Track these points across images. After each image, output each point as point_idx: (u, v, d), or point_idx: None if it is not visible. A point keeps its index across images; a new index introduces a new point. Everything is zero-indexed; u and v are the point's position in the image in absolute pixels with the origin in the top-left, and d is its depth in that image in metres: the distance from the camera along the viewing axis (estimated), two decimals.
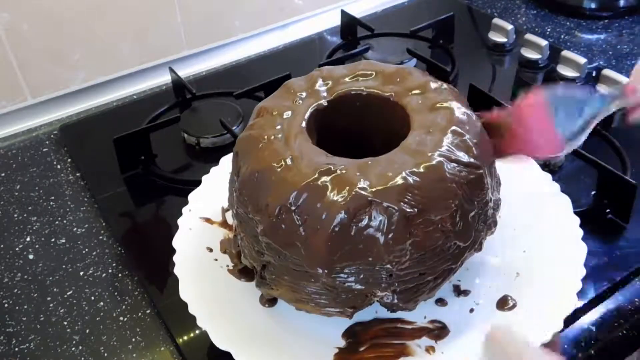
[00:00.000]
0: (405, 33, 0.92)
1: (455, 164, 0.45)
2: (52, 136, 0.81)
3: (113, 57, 0.86)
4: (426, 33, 0.92)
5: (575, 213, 0.55)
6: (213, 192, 0.61)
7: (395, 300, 0.47)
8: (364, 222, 0.43)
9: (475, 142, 0.48)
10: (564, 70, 0.83)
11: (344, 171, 0.45)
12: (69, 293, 0.60)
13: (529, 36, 0.88)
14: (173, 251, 0.55)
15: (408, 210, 0.43)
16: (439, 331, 0.50)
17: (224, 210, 0.60)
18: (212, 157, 0.69)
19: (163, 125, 0.75)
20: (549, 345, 0.45)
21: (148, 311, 0.58)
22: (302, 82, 0.55)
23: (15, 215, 0.69)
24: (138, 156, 0.73)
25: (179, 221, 0.58)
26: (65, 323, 0.57)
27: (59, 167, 0.76)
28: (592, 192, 0.64)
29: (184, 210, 0.59)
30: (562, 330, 0.48)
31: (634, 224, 0.61)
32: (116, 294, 0.59)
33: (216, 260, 0.56)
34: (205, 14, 0.90)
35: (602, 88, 0.78)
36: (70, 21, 0.80)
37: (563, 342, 0.52)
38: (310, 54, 0.95)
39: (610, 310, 0.55)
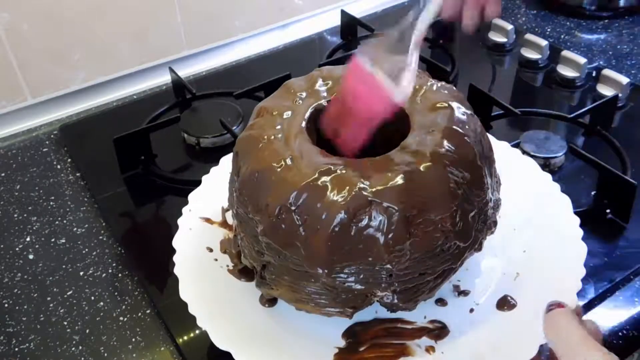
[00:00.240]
0: None
1: (455, 164, 0.45)
2: (52, 136, 0.81)
3: (113, 57, 0.86)
4: (426, 33, 0.92)
5: (575, 213, 0.55)
6: (213, 192, 0.61)
7: (395, 300, 0.47)
8: (364, 222, 0.43)
9: (475, 142, 0.48)
10: (564, 70, 0.83)
11: (343, 171, 0.45)
12: (69, 293, 0.60)
13: (529, 36, 0.88)
14: (173, 251, 0.55)
15: (408, 210, 0.43)
16: (439, 331, 0.50)
17: (224, 210, 0.60)
18: (212, 157, 0.69)
19: (163, 125, 0.75)
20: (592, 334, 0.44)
21: (148, 311, 0.58)
22: (302, 82, 0.55)
23: (15, 215, 0.69)
24: (138, 156, 0.73)
25: (179, 221, 0.58)
26: (65, 323, 0.57)
27: (59, 167, 0.76)
28: (592, 192, 0.64)
29: (184, 210, 0.59)
30: None
31: (634, 224, 0.61)
32: (116, 294, 0.59)
33: (216, 260, 0.56)
34: (205, 14, 0.90)
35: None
36: (70, 21, 0.80)
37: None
38: (310, 54, 0.95)
39: (610, 310, 0.55)
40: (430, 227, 0.44)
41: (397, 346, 0.49)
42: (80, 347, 0.55)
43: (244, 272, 0.55)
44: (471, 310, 0.51)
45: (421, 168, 0.45)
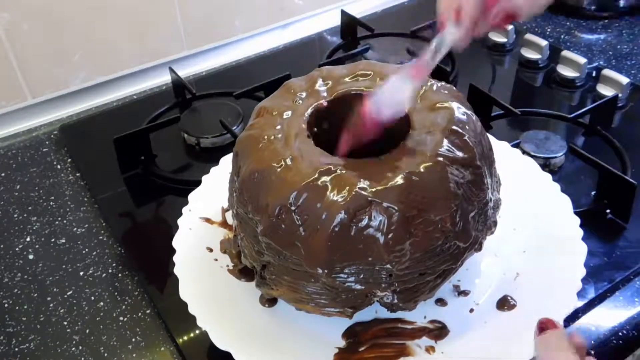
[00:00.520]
0: (405, 33, 0.92)
1: (455, 164, 0.45)
2: (52, 136, 0.81)
3: (113, 57, 0.86)
4: (426, 33, 0.92)
5: (575, 213, 0.55)
6: (213, 192, 0.61)
7: (395, 300, 0.47)
8: (364, 222, 0.43)
9: (475, 142, 0.48)
10: (564, 70, 0.83)
11: (343, 171, 0.45)
12: (69, 293, 0.60)
13: (529, 36, 0.88)
14: (173, 251, 0.55)
15: (408, 210, 0.43)
16: (438, 331, 0.50)
17: (224, 210, 0.60)
18: (212, 157, 0.69)
19: (163, 125, 0.75)
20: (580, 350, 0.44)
21: (148, 311, 0.58)
22: (302, 82, 0.55)
23: (15, 215, 0.69)
24: (138, 156, 0.73)
25: (179, 221, 0.58)
26: (65, 323, 0.57)
27: (59, 167, 0.76)
28: (592, 192, 0.64)
29: (184, 210, 0.59)
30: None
31: (634, 224, 0.61)
32: (116, 294, 0.59)
33: (216, 260, 0.56)
34: (205, 14, 0.90)
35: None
36: (70, 21, 0.80)
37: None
38: (310, 54, 0.95)
39: (610, 310, 0.55)
40: (430, 227, 0.44)
41: (397, 346, 0.49)
42: (80, 347, 0.55)
43: (244, 272, 0.55)
44: (471, 310, 0.51)
45: (421, 168, 0.45)
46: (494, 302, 0.51)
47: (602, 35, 0.94)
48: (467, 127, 0.48)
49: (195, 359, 0.53)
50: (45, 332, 0.56)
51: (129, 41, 0.86)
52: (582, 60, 0.82)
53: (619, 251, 0.59)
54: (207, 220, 0.59)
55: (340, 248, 0.44)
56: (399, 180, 0.44)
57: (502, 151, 0.61)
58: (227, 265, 0.56)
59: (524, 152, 0.67)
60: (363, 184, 0.44)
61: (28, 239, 0.66)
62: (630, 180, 0.60)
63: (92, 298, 0.59)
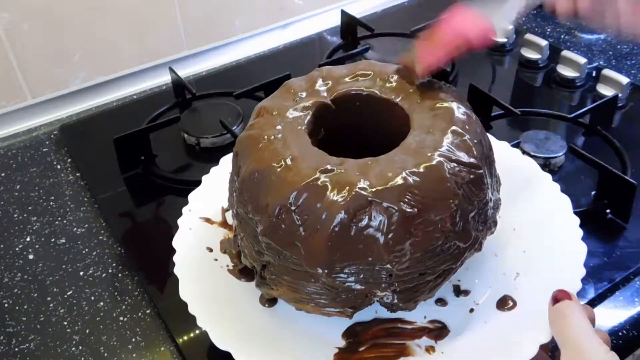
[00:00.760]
0: (405, 33, 0.92)
1: (455, 164, 0.45)
2: (52, 136, 0.81)
3: (113, 57, 0.86)
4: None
5: (575, 213, 0.55)
6: (213, 192, 0.61)
7: (395, 300, 0.47)
8: (364, 222, 0.43)
9: (475, 142, 0.48)
10: (564, 70, 0.83)
11: (343, 171, 0.45)
12: (69, 293, 0.60)
13: (529, 36, 0.88)
14: (173, 251, 0.55)
15: (408, 210, 0.43)
16: (438, 331, 0.50)
17: (224, 210, 0.60)
18: (212, 157, 0.69)
19: (163, 125, 0.75)
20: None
21: (148, 311, 0.58)
22: (302, 82, 0.55)
23: (15, 215, 0.69)
24: (138, 156, 0.73)
25: (179, 221, 0.58)
26: (65, 323, 0.57)
27: (59, 167, 0.76)
28: (592, 192, 0.64)
29: (184, 210, 0.59)
30: None
31: (634, 224, 0.61)
32: (116, 294, 0.59)
33: (216, 260, 0.56)
34: (205, 14, 0.90)
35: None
36: (70, 21, 0.80)
37: None
38: (310, 54, 0.95)
39: (610, 310, 0.55)
40: (430, 227, 0.44)
41: (397, 346, 0.49)
42: (80, 347, 0.55)
43: (244, 272, 0.55)
44: (471, 310, 0.51)
45: (421, 168, 0.45)
46: (494, 302, 0.51)
47: (602, 35, 0.94)
48: (467, 127, 0.48)
49: (195, 359, 0.53)
50: (45, 332, 0.56)
51: (129, 41, 0.86)
52: (582, 60, 0.82)
53: (619, 251, 0.59)
54: (207, 220, 0.59)
55: (340, 248, 0.44)
56: (398, 180, 0.44)
57: (502, 151, 0.60)
58: (227, 265, 0.56)
59: (523, 152, 0.67)
60: (363, 183, 0.44)
61: (28, 239, 0.66)
62: (630, 180, 0.60)
63: (92, 298, 0.59)
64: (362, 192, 0.43)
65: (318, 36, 0.99)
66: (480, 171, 0.47)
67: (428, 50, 0.52)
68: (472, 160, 0.46)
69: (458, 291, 0.53)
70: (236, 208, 0.50)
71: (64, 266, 0.62)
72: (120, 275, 0.61)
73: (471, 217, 0.46)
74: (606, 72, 0.80)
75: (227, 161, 0.64)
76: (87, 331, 0.56)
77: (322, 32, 0.99)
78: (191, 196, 0.61)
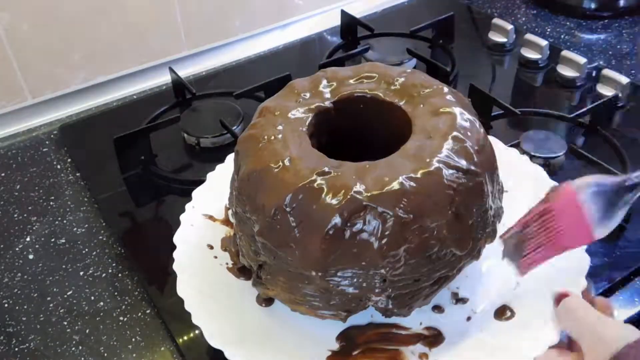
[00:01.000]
0: (405, 33, 0.92)
1: (454, 171, 0.45)
2: (52, 136, 0.81)
3: (113, 57, 0.86)
4: (426, 33, 0.92)
5: None
6: (217, 189, 0.60)
7: (390, 306, 0.47)
8: (359, 227, 0.43)
9: (476, 149, 0.47)
10: (564, 70, 0.83)
11: (340, 174, 0.45)
12: (69, 293, 0.60)
13: (529, 36, 0.88)
14: (173, 249, 0.55)
15: (403, 216, 0.43)
16: (433, 338, 0.49)
17: (227, 208, 0.60)
18: (212, 157, 0.69)
19: (163, 125, 0.75)
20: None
21: (148, 311, 0.58)
22: (306, 82, 0.55)
23: (15, 215, 0.69)
24: (138, 156, 0.73)
25: (181, 217, 0.58)
26: (65, 323, 0.57)
27: (59, 167, 0.76)
28: None
29: (187, 206, 0.59)
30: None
31: (634, 224, 0.61)
32: (116, 294, 0.59)
33: (216, 257, 0.56)
34: (205, 14, 0.90)
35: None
36: (70, 21, 0.80)
37: None
38: (310, 54, 0.95)
39: None
40: (425, 233, 0.43)
41: (390, 351, 0.49)
42: (80, 347, 0.55)
43: (242, 271, 0.55)
44: (468, 319, 0.51)
45: (419, 174, 0.44)
46: (492, 310, 0.50)
47: (602, 35, 0.94)
48: (468, 134, 0.47)
49: (195, 359, 0.53)
50: (45, 332, 0.56)
51: (129, 41, 0.86)
52: (582, 60, 0.82)
53: (619, 251, 0.59)
54: (210, 217, 0.59)
55: (334, 251, 0.43)
56: (395, 185, 0.43)
57: (509, 158, 0.60)
58: (227, 263, 0.56)
59: (523, 152, 0.67)
60: (359, 187, 0.44)
61: (28, 239, 0.66)
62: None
63: (92, 298, 0.59)
64: (358, 196, 0.43)
65: (318, 36, 0.99)
66: (480, 179, 0.46)
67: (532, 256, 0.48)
68: (471, 167, 0.46)
69: (456, 299, 0.53)
70: (235, 207, 0.50)
71: (64, 266, 0.62)
72: (120, 275, 0.61)
73: (469, 225, 0.46)
74: (606, 72, 0.80)
75: (232, 159, 0.65)
76: (87, 331, 0.56)
77: (322, 32, 0.99)
78: (195, 193, 0.61)
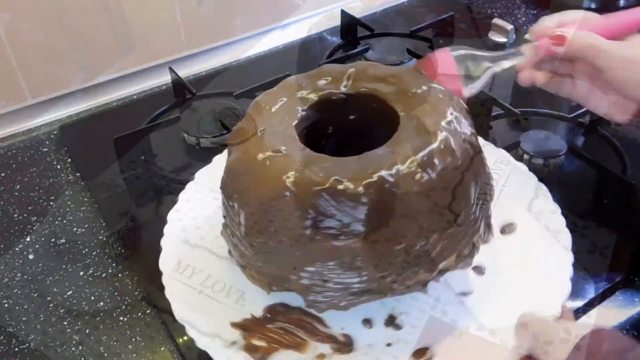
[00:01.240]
0: (405, 33, 0.92)
1: (432, 170, 0.44)
2: (52, 136, 0.81)
3: (113, 57, 0.86)
4: (426, 33, 0.92)
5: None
6: (220, 171, 0.61)
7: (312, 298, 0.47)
8: (329, 224, 0.43)
9: (460, 147, 0.46)
10: None
11: (317, 169, 0.44)
12: (69, 293, 0.60)
13: (529, 36, 0.88)
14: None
15: (371, 215, 0.43)
16: (343, 346, 0.49)
17: None
18: (212, 157, 0.69)
19: (163, 125, 0.75)
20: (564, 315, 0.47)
21: (148, 311, 0.58)
22: (300, 79, 0.55)
23: (15, 215, 0.69)
24: (138, 156, 0.73)
25: (180, 195, 0.59)
26: (65, 323, 0.57)
27: (59, 167, 0.76)
28: (592, 192, 0.64)
29: (188, 185, 0.61)
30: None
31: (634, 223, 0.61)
32: (116, 294, 0.59)
33: (203, 239, 0.57)
34: (205, 14, 0.90)
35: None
36: (70, 21, 0.80)
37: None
38: (310, 54, 0.95)
39: (610, 310, 0.55)
40: (390, 239, 0.44)
41: (299, 339, 0.49)
42: (80, 347, 0.55)
43: None
44: (388, 345, 0.49)
45: (393, 170, 0.43)
46: (412, 348, 0.48)
47: None
48: (455, 132, 0.46)
49: (195, 359, 0.53)
50: (45, 332, 0.56)
51: (129, 41, 0.86)
52: None
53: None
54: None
55: (305, 249, 0.44)
56: (368, 180, 0.43)
57: (502, 160, 0.60)
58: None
59: (523, 152, 0.67)
60: (338, 182, 0.43)
61: (28, 239, 0.66)
62: (630, 180, 0.61)
63: (92, 298, 0.59)
64: (332, 192, 0.43)
65: (318, 36, 0.99)
66: (462, 177, 0.45)
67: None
68: (452, 167, 0.45)
69: (390, 322, 0.51)
70: (222, 197, 0.51)
71: (64, 266, 0.62)
72: (120, 275, 0.61)
73: (435, 237, 0.45)
74: None
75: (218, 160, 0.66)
76: (87, 331, 0.56)
77: (322, 32, 0.99)
78: (198, 174, 0.63)
